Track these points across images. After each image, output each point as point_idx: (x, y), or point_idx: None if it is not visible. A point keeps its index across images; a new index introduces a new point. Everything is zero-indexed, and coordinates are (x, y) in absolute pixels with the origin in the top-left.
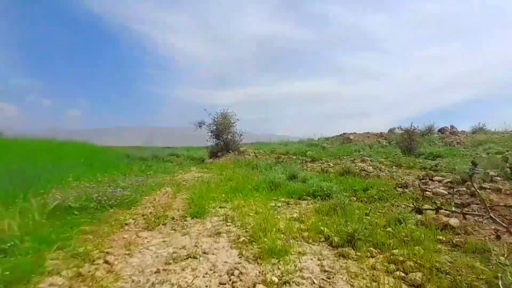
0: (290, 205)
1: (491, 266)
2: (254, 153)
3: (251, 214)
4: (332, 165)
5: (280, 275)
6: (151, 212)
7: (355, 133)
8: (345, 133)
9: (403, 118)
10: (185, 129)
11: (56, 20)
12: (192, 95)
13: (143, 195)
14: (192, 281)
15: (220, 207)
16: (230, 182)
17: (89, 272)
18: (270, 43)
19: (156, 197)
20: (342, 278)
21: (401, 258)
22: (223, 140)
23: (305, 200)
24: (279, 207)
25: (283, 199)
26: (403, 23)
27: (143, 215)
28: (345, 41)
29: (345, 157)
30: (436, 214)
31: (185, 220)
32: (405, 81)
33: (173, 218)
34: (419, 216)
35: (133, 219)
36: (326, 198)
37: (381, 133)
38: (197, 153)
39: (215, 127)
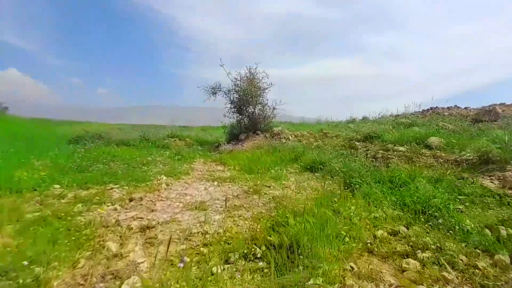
0: None
1: None
2: (296, 135)
3: None
4: None
5: None
6: None
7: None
8: (436, 107)
9: (433, 99)
10: (207, 109)
11: (86, 1)
12: (214, 75)
13: None
14: None
15: None
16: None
17: None
18: (290, 24)
19: None
20: None
21: None
22: (249, 116)
23: None
24: None
25: None
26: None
27: None
28: (369, 21)
29: None
30: None
31: None
32: (433, 61)
33: None
34: None
35: None
36: None
37: None
38: (212, 135)
39: (237, 96)
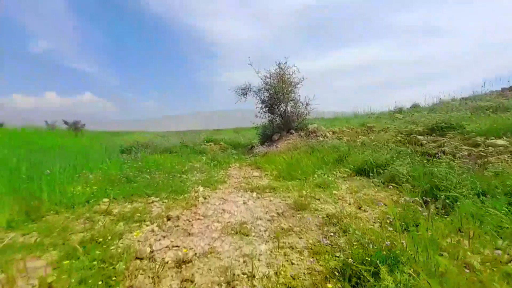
0: None
1: None
2: (334, 132)
3: None
4: None
5: None
6: None
7: None
8: None
9: (485, 78)
10: (237, 111)
11: (130, 24)
12: (238, 77)
13: None
14: None
15: None
16: None
17: None
18: (309, 14)
19: None
20: None
21: None
22: (281, 114)
23: None
24: None
25: None
26: None
27: None
28: None
29: None
30: None
31: None
32: (474, 36)
33: None
34: None
35: None
36: None
37: None
38: (245, 136)
39: (267, 95)
